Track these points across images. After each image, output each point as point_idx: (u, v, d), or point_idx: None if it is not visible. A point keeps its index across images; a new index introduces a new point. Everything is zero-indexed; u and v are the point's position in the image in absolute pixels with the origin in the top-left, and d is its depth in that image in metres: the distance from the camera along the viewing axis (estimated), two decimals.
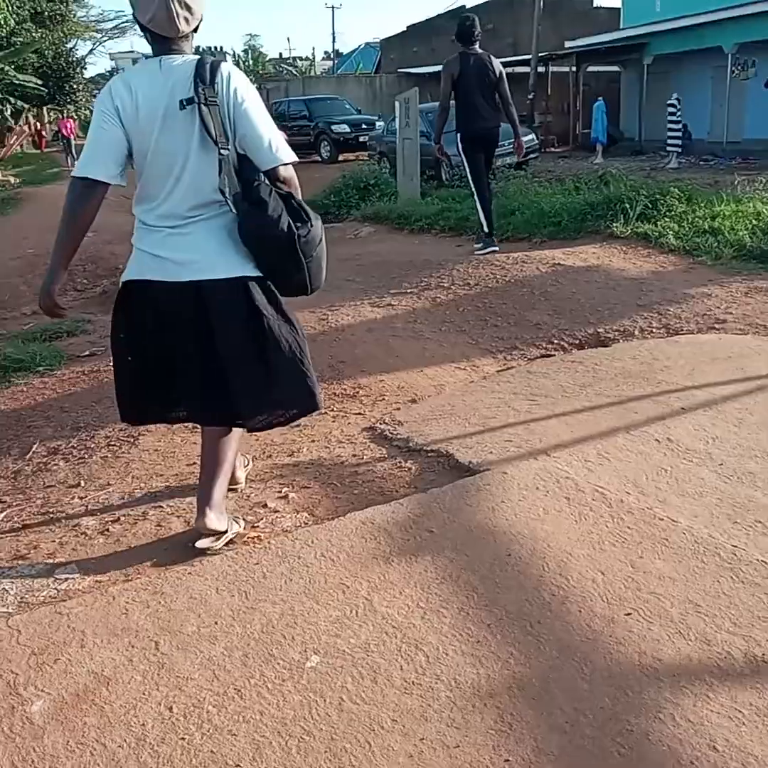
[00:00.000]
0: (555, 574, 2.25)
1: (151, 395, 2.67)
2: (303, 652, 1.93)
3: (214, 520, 2.52)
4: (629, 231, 7.31)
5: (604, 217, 7.69)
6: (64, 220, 2.46)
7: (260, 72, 54.03)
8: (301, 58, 68.05)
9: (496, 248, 7.34)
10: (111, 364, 2.82)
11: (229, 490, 2.86)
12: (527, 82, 23.24)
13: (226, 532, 2.57)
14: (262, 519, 2.79)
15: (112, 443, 4.23)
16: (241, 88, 2.41)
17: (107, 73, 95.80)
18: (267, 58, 71.39)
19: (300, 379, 2.59)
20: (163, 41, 2.41)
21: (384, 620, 2.04)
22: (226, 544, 2.56)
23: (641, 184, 8.58)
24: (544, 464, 2.97)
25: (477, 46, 7.27)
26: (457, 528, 2.52)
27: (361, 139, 20.77)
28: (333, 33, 65.38)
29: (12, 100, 32.00)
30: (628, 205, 7.60)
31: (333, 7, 56.91)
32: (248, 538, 2.61)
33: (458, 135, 7.44)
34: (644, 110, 21.40)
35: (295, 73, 51.88)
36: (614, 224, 7.43)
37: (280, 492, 3.08)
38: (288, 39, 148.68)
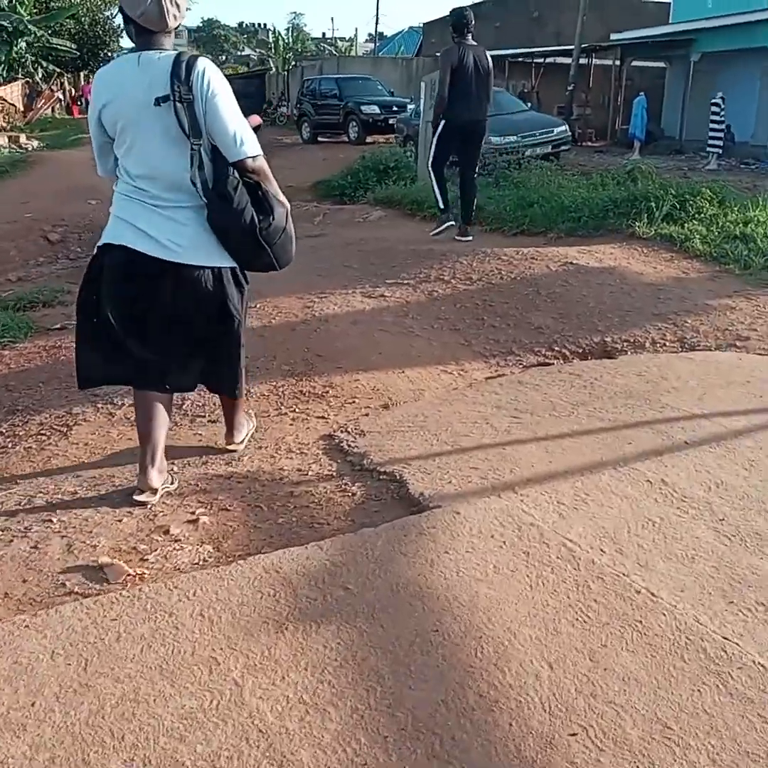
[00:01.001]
0: (489, 664, 1.74)
1: (107, 355, 2.79)
2: (127, 762, 1.44)
3: (155, 478, 2.75)
4: (652, 232, 6.71)
5: (628, 215, 7.09)
6: None
7: (299, 50, 53.46)
8: (342, 39, 67.39)
9: (452, 222, 7.59)
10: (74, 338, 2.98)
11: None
12: (568, 73, 22.49)
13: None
14: (156, 550, 2.30)
15: (43, 432, 3.78)
16: (214, 84, 2.50)
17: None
18: (309, 37, 70.73)
19: (236, 369, 2.97)
20: (148, 35, 2.51)
21: (250, 719, 1.55)
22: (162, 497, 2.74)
23: (671, 182, 7.97)
24: (508, 504, 2.45)
25: (471, 37, 7.32)
26: (380, 586, 2.01)
27: (390, 121, 20.13)
28: (377, 15, 64.26)
29: (44, 63, 31.66)
30: (654, 204, 7.00)
31: None
32: (128, 576, 2.13)
33: (443, 122, 7.30)
34: (687, 108, 20.57)
35: (334, 52, 51.17)
36: (637, 223, 6.84)
37: (193, 513, 2.59)
38: (332, 19, 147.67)
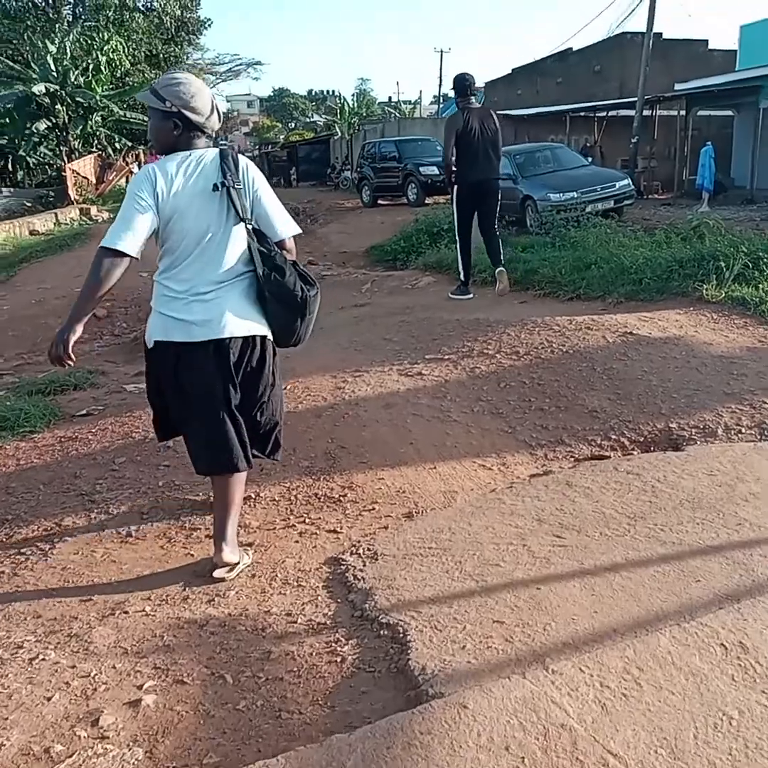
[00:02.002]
0: None
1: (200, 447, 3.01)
2: None
3: (229, 553, 2.88)
4: (723, 294, 6.04)
5: (694, 276, 6.44)
6: (89, 284, 2.67)
7: (364, 114, 54.50)
8: (407, 102, 68.50)
9: (471, 295, 7.83)
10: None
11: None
12: (631, 126, 21.97)
13: (238, 563, 2.93)
14: (72, 754, 1.79)
15: (24, 550, 3.38)
16: (257, 177, 2.89)
17: (223, 115, 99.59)
18: (376, 102, 72.20)
19: (277, 433, 3.15)
20: (199, 135, 2.86)
21: None
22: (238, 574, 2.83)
23: (743, 238, 7.30)
24: (534, 689, 1.86)
25: (474, 100, 7.68)
26: None
27: None
28: (440, 76, 64.84)
29: (117, 137, 32.78)
30: (723, 263, 6.34)
31: (442, 51, 56.16)
32: None
33: (455, 186, 7.63)
34: (758, 157, 19.72)
35: (397, 115, 51.89)
36: (705, 286, 6.18)
37: (140, 687, 2.08)
38: (397, 83, 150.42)
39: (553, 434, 4.26)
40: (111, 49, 32.73)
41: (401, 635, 2.21)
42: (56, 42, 31.08)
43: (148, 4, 38.83)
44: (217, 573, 2.85)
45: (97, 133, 32.87)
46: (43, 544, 3.39)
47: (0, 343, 8.79)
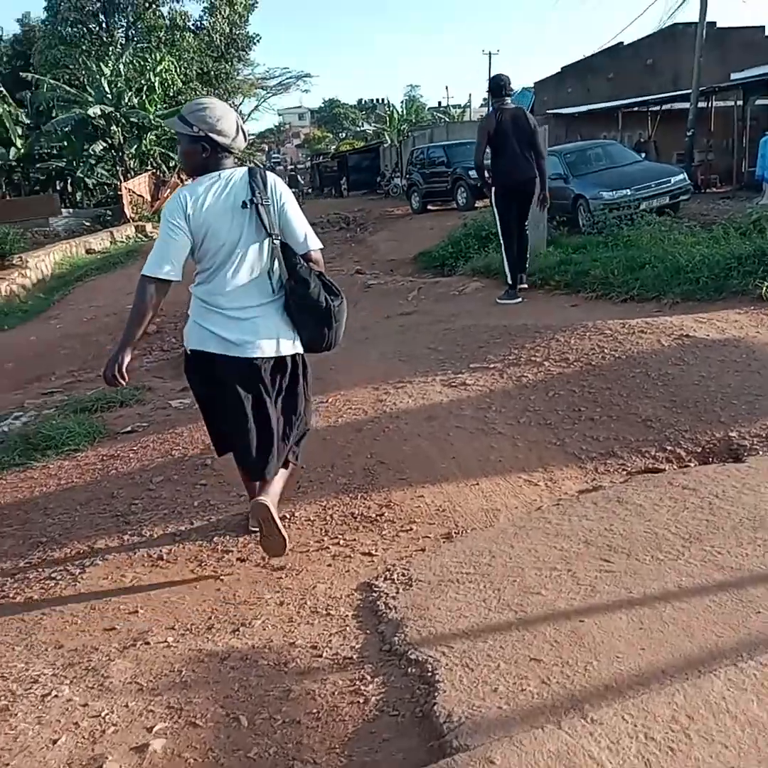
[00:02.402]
0: None
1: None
2: None
3: (270, 504, 2.99)
4: None
5: (754, 273, 6.11)
6: (135, 312, 2.89)
7: (414, 120, 54.44)
8: (457, 107, 68.16)
9: (519, 300, 7.64)
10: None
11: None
12: (686, 119, 21.36)
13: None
14: None
15: (55, 574, 3.31)
16: (284, 193, 3.01)
17: (275, 128, 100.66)
18: (426, 107, 72.10)
19: (303, 440, 3.31)
20: (226, 156, 2.95)
21: None
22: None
23: None
24: (570, 741, 1.67)
25: (510, 100, 7.62)
26: None
27: None
28: (488, 79, 64.73)
29: (171, 154, 33.32)
30: None
31: (490, 54, 55.60)
32: None
33: (493, 188, 7.60)
34: None
35: (446, 120, 51.68)
36: (766, 283, 5.86)
37: (150, 730, 1.95)
38: (446, 88, 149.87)
39: (604, 446, 4.03)
40: (163, 69, 33.36)
41: (430, 674, 2.04)
42: (110, 65, 31.81)
43: (198, 24, 39.50)
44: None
45: (152, 151, 33.51)
46: (73, 568, 3.33)
47: (52, 361, 8.90)
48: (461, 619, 2.35)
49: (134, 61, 33.17)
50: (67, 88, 31.81)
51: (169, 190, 30.61)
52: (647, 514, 3.03)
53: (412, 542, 3.21)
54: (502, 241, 7.78)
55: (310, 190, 39.38)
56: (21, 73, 32.88)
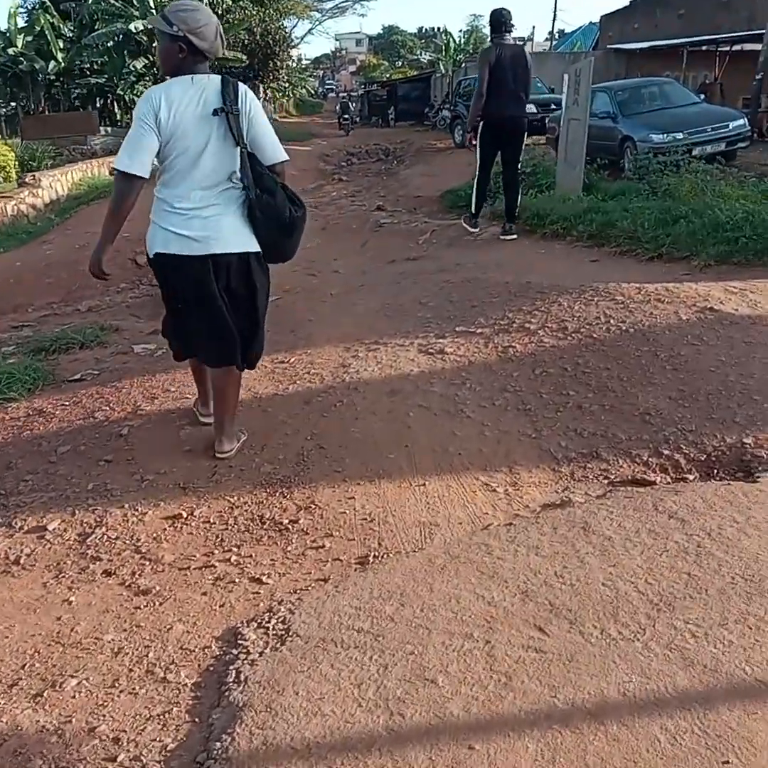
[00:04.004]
0: None
1: (185, 341, 3.39)
2: None
3: (226, 445, 3.34)
4: None
5: None
6: (112, 208, 3.01)
7: (470, 51, 52.22)
8: (519, 39, 65.31)
9: (477, 230, 7.96)
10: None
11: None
12: (756, 61, 19.67)
13: (234, 448, 3.38)
14: None
15: None
16: (255, 104, 3.06)
17: (331, 54, 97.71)
18: (488, 38, 69.22)
19: (262, 340, 3.40)
20: (202, 61, 2.99)
21: None
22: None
23: None
24: None
25: (510, 36, 7.57)
26: None
27: (548, 121, 18.41)
28: (555, 11, 61.27)
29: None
30: None
31: None
32: None
33: (481, 121, 7.49)
34: None
35: None
36: None
37: None
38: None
39: (588, 443, 3.30)
40: None
41: None
42: None
43: None
44: (218, 455, 3.34)
45: None
46: None
47: (34, 291, 8.29)
48: (315, 720, 1.69)
49: None
50: (113, 1, 30.66)
51: None
52: (614, 555, 2.32)
53: (317, 566, 2.54)
54: (477, 173, 7.86)
55: (358, 119, 38.01)
56: None
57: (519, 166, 7.75)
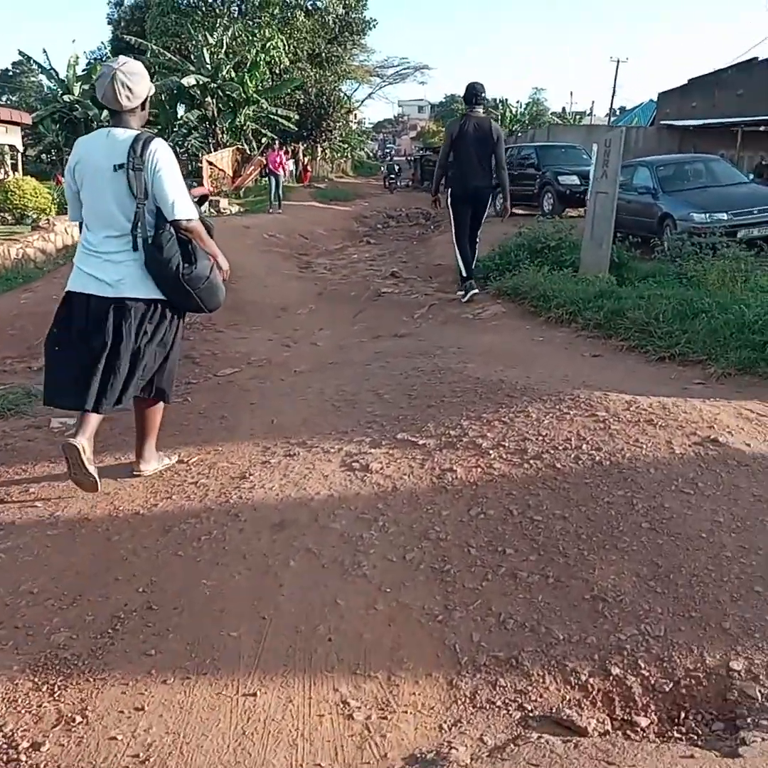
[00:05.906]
0: None
1: (67, 383, 3.24)
2: None
3: (143, 466, 3.48)
4: None
5: None
6: None
7: (526, 122, 52.27)
8: (579, 113, 65.53)
9: (476, 291, 7.79)
10: None
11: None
12: None
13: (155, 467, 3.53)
14: None
15: None
16: (161, 161, 3.12)
17: (394, 119, 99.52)
18: (549, 112, 69.91)
19: (170, 379, 3.47)
20: (117, 115, 3.18)
21: None
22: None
23: None
24: None
25: (480, 109, 7.71)
26: None
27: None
28: (614, 86, 61.09)
29: (264, 132, 32.25)
30: None
31: (617, 61, 52.53)
32: None
33: (448, 190, 7.85)
34: None
35: (563, 125, 49.18)
36: None
37: None
38: (571, 93, 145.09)
39: (510, 641, 2.29)
40: (272, 46, 32.31)
41: None
42: (216, 36, 30.98)
43: (314, 4, 38.44)
44: (136, 473, 3.46)
45: (246, 127, 32.54)
46: None
47: None
48: None
49: (243, 34, 32.27)
50: (170, 56, 31.12)
51: (253, 168, 29.54)
52: None
53: None
54: (454, 242, 7.95)
55: (409, 183, 37.88)
56: (126, 37, 32.46)
57: (479, 232, 8.03)
